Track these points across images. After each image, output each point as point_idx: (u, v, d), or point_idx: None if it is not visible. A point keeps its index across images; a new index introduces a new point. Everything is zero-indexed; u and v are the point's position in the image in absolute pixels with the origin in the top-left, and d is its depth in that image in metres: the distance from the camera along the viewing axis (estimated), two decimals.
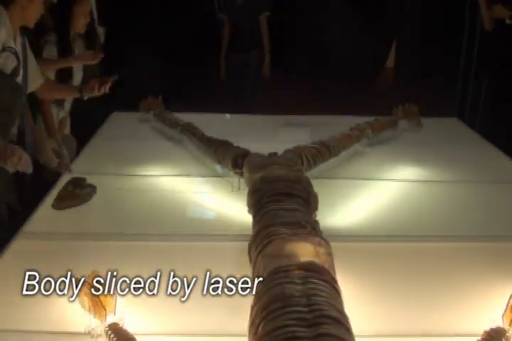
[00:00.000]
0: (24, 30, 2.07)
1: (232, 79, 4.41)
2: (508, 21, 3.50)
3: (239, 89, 4.45)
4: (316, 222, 1.65)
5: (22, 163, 1.87)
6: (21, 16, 1.98)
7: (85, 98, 2.41)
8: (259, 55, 4.32)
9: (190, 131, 2.69)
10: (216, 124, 3.06)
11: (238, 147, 2.35)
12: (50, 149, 2.22)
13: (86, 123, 3.39)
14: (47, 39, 2.68)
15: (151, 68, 5.04)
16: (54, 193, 2.10)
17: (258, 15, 4.23)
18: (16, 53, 1.96)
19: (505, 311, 1.30)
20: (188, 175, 2.41)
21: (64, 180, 2.22)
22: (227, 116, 3.54)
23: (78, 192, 2.09)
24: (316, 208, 1.81)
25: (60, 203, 2.04)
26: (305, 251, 1.38)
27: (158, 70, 5.11)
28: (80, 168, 2.40)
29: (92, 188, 2.16)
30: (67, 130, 3.00)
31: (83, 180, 2.19)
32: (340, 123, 2.78)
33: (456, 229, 1.97)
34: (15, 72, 1.97)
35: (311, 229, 1.55)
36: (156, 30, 5.04)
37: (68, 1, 2.37)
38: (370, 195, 2.25)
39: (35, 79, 2.20)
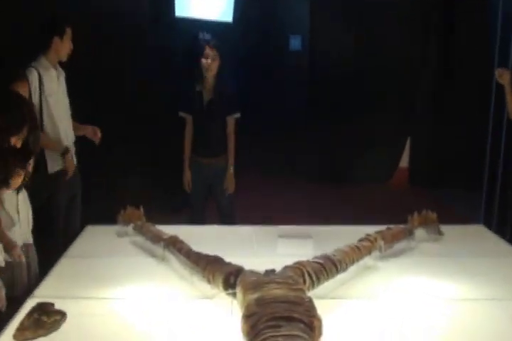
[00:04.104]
0: None
1: (194, 186, 4.36)
2: None
3: (200, 199, 4.42)
4: None
5: None
6: None
7: None
8: (227, 161, 4.33)
9: (176, 246, 2.76)
10: (204, 237, 3.15)
11: (230, 263, 2.42)
12: None
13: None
14: None
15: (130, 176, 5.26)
16: (16, 321, 2.13)
17: (226, 116, 4.29)
18: None
19: None
20: (173, 298, 2.44)
21: (28, 305, 2.25)
22: (215, 227, 3.64)
23: (44, 320, 2.12)
24: (320, 334, 1.84)
25: (23, 334, 2.06)
26: None
27: (139, 178, 5.33)
28: (47, 291, 2.45)
29: (61, 315, 2.18)
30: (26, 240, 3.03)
31: (51, 305, 2.23)
32: (347, 234, 2.86)
33: None
34: None
35: None
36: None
37: None
38: (384, 317, 2.26)
39: None
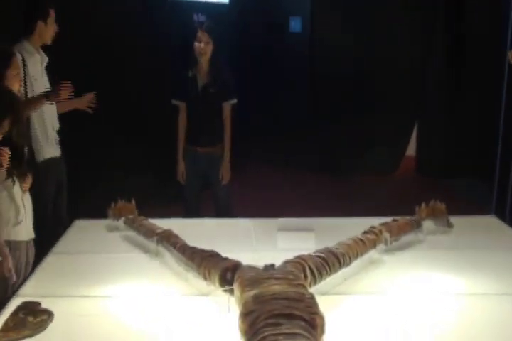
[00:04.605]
0: None
1: (188, 177, 4.35)
2: None
3: (194, 191, 4.42)
4: None
5: None
6: None
7: None
8: (223, 150, 4.32)
9: (170, 241, 2.75)
10: (200, 231, 3.15)
11: (227, 259, 2.40)
12: None
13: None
14: None
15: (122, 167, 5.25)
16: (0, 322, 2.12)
17: (222, 102, 4.27)
18: None
19: None
20: (167, 295, 2.43)
21: (12, 305, 2.24)
22: (212, 220, 3.63)
23: (30, 320, 2.11)
24: (322, 332, 1.83)
25: (7, 335, 2.04)
26: None
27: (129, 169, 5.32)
28: (33, 290, 2.44)
29: (48, 315, 2.17)
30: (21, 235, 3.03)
31: (37, 304, 2.22)
32: (351, 226, 2.85)
33: None
34: None
35: None
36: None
37: None
38: (389, 313, 2.26)
39: None
